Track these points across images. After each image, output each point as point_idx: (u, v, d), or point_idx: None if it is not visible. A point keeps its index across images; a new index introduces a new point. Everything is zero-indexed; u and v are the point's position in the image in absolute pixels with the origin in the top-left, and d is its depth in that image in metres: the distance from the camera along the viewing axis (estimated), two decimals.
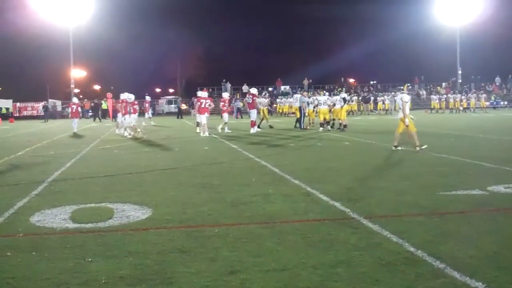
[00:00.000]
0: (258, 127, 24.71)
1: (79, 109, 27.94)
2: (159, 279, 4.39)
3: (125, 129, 22.62)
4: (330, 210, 6.86)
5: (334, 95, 25.77)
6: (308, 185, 8.58)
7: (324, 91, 27.68)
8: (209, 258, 4.91)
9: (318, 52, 73.63)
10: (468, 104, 49.96)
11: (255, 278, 4.36)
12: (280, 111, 48.48)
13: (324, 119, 24.15)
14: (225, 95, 27.33)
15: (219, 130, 23.50)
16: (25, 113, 57.05)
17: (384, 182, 8.88)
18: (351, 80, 68.99)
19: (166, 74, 78.15)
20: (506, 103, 57.16)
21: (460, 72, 62.60)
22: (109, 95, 37.96)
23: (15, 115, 53.88)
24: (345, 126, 22.88)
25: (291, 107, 45.81)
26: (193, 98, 50.79)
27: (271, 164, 11.50)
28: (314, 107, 25.77)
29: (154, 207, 7.15)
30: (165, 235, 5.78)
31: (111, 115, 39.74)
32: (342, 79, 64.72)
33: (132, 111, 22.27)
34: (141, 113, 33.66)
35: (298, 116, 25.95)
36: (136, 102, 23.57)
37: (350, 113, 39.78)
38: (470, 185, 8.33)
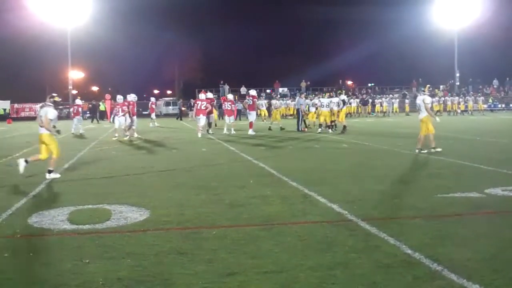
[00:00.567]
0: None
1: (80, 109, 27.97)
2: (157, 280, 4.40)
3: (125, 130, 22.71)
4: (327, 212, 6.87)
5: (330, 96, 25.76)
6: (306, 187, 8.59)
7: (329, 93, 27.62)
8: (207, 260, 4.91)
9: (316, 54, 73.69)
10: (466, 106, 50.03)
11: (253, 280, 4.37)
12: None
13: (325, 121, 24.17)
14: (230, 96, 27.43)
15: (226, 131, 23.59)
16: (22, 114, 56.90)
17: (382, 185, 8.89)
18: (349, 83, 69.02)
19: (164, 76, 78.09)
20: (503, 105, 57.23)
21: (458, 74, 62.68)
22: (108, 96, 37.97)
23: (12, 116, 53.76)
24: (344, 127, 22.95)
25: (289, 109, 45.95)
26: (191, 100, 50.92)
27: (269, 166, 11.51)
28: (316, 109, 25.74)
29: (151, 209, 7.15)
30: (162, 237, 5.79)
31: (109, 117, 39.73)
32: (340, 81, 64.70)
33: (121, 112, 22.06)
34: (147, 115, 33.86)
35: (303, 117, 26.08)
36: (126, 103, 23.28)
37: (348, 115, 39.73)
38: (467, 188, 8.34)
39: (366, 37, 66.64)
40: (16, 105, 57.49)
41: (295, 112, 27.19)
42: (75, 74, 65.37)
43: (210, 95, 26.34)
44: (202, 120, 22.63)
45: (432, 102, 14.00)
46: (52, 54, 60.89)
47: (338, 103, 23.81)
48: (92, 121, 44.97)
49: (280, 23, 78.25)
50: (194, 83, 67.30)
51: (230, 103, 25.09)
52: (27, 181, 9.92)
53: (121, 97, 22.84)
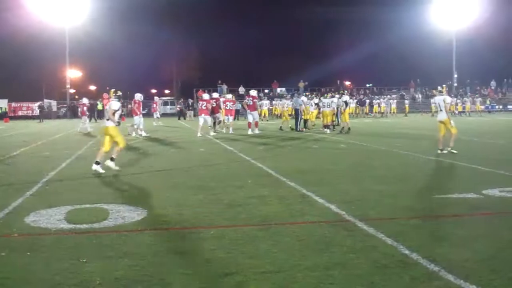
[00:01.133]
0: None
1: (85, 108, 28.10)
2: (154, 280, 4.39)
3: (137, 128, 22.83)
4: (325, 212, 6.87)
5: (332, 97, 25.78)
6: (304, 187, 8.59)
7: (331, 94, 27.63)
8: (205, 260, 4.91)
9: (315, 54, 73.80)
10: (464, 107, 50.11)
11: (251, 280, 4.37)
12: (276, 113, 48.54)
13: (327, 121, 24.21)
14: (229, 96, 27.39)
15: (224, 130, 23.62)
16: (20, 113, 56.86)
17: (380, 185, 8.89)
18: (347, 83, 69.06)
19: (162, 75, 78.08)
20: (501, 107, 57.37)
21: (455, 76, 62.82)
22: (106, 95, 37.93)
23: (10, 115, 53.66)
24: (348, 128, 23.10)
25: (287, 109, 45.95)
26: (189, 99, 50.91)
27: (267, 166, 11.51)
28: (320, 109, 25.72)
29: (149, 208, 7.14)
30: (160, 237, 5.78)
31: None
32: (338, 81, 64.74)
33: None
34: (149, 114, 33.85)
35: (303, 117, 26.09)
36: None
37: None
38: (465, 189, 8.35)
39: (364, 38, 66.78)
40: (13, 104, 57.39)
41: (293, 112, 27.13)
42: (73, 73, 65.31)
43: (215, 95, 26.36)
44: (201, 120, 22.68)
45: (451, 103, 13.91)
46: (50, 53, 60.88)
47: (338, 103, 23.93)
48: (89, 120, 44.82)
49: (278, 23, 78.42)
50: (192, 83, 67.38)
51: (230, 102, 25.12)
52: (24, 180, 9.90)
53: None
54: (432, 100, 49.70)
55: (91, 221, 6.44)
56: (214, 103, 23.91)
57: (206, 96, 24.36)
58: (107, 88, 61.30)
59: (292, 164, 12.23)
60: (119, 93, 11.84)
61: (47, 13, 53.76)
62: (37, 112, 51.06)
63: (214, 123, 24.04)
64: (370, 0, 66.81)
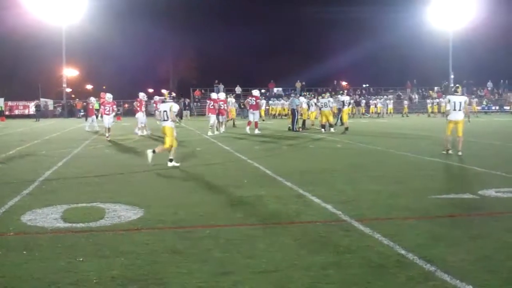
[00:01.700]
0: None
1: (91, 107, 28.22)
2: (151, 279, 4.39)
3: (139, 129, 22.83)
4: (322, 212, 6.88)
5: (330, 96, 25.82)
6: (300, 187, 8.60)
7: (331, 93, 27.67)
8: (201, 259, 4.91)
9: (311, 54, 73.73)
10: None
11: (247, 279, 4.37)
12: (273, 113, 48.60)
13: (327, 121, 24.23)
14: (222, 96, 27.41)
15: (216, 132, 23.60)
16: (16, 112, 56.67)
17: (376, 185, 8.91)
18: (344, 83, 69.09)
19: (159, 74, 77.87)
20: (497, 107, 57.49)
21: (452, 76, 62.85)
22: (103, 94, 37.86)
23: (6, 114, 53.51)
24: (346, 128, 23.17)
25: (284, 109, 46.01)
26: (185, 99, 50.80)
27: (264, 166, 11.51)
28: (320, 109, 25.72)
29: (145, 208, 7.14)
30: (156, 236, 5.78)
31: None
32: (335, 82, 64.76)
33: (111, 111, 21.86)
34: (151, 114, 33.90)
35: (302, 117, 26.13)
36: (114, 102, 23.20)
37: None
38: (461, 189, 8.38)
39: (361, 38, 66.71)
40: (10, 103, 57.20)
41: (289, 112, 27.15)
42: (69, 72, 65.14)
43: (222, 95, 26.48)
44: (213, 118, 22.81)
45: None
46: (47, 52, 60.72)
47: (332, 102, 24.02)
48: (86, 119, 44.73)
49: (276, 23, 78.23)
50: (189, 82, 67.29)
51: (222, 102, 25.13)
52: (21, 179, 9.88)
53: (110, 95, 22.76)
54: (438, 100, 49.86)
55: (87, 220, 6.44)
56: (222, 104, 24.08)
57: (214, 95, 24.69)
58: (104, 87, 61.37)
59: (288, 164, 12.24)
60: (173, 94, 13.26)
61: (44, 12, 53.58)
62: (33, 111, 50.91)
63: (220, 123, 24.13)
64: (367, 0, 66.91)
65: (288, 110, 31.65)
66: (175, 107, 12.05)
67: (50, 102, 60.78)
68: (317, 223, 6.26)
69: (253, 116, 24.44)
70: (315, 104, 27.32)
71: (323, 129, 23.89)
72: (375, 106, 50.03)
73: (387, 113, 48.76)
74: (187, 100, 52.10)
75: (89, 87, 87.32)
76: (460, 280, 4.28)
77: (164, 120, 11.87)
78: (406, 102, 51.96)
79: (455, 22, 59.32)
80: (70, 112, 56.38)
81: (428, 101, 51.78)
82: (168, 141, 11.79)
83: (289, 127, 25.52)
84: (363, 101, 52.31)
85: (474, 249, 5.18)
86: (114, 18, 59.89)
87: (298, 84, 58.82)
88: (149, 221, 6.43)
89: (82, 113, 51.23)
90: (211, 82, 58.89)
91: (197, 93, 60.63)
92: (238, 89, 56.89)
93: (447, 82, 63.28)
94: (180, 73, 75.45)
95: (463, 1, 57.62)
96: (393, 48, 65.50)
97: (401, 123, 34.75)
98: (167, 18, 64.32)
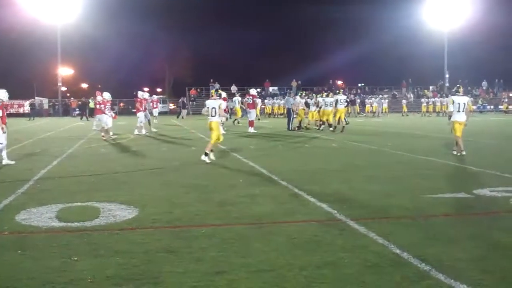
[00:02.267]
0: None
1: (102, 106, 27.92)
2: (146, 278, 4.39)
3: (138, 128, 22.76)
4: (317, 211, 6.89)
5: (319, 97, 25.84)
6: (296, 187, 8.60)
7: (330, 93, 27.63)
8: (196, 258, 4.91)
9: (307, 54, 73.86)
10: None
11: (242, 278, 4.37)
12: (269, 112, 48.67)
13: (327, 120, 24.25)
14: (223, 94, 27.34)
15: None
16: (11, 110, 56.38)
17: (371, 184, 8.92)
18: (339, 82, 69.15)
19: (154, 73, 77.84)
20: (492, 107, 57.66)
21: (447, 76, 63.03)
22: (98, 93, 37.77)
23: None
24: (343, 127, 23.21)
25: (279, 108, 46.08)
26: (182, 98, 50.71)
27: (259, 165, 11.51)
28: (319, 108, 25.69)
29: (141, 207, 7.13)
30: (151, 235, 5.77)
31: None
32: (331, 81, 64.81)
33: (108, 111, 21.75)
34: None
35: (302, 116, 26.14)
36: (110, 101, 22.99)
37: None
38: (456, 188, 8.40)
39: (357, 38, 66.88)
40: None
41: (285, 112, 27.18)
42: (65, 71, 64.96)
43: (223, 94, 26.36)
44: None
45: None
46: (42, 50, 60.58)
47: (331, 102, 24.05)
48: (81, 118, 44.68)
49: (271, 23, 78.30)
50: (185, 81, 67.24)
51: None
52: (15, 178, 9.85)
53: (109, 94, 22.65)
54: (433, 100, 49.92)
55: (82, 220, 6.42)
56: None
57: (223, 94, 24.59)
58: (99, 86, 61.22)
59: (284, 163, 12.25)
60: (219, 91, 14.42)
61: (39, 11, 53.41)
62: (28, 110, 50.75)
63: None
64: (362, 0, 67.04)
65: (284, 109, 31.69)
66: (224, 105, 13.13)
67: (45, 101, 60.60)
68: (312, 223, 6.26)
69: (250, 115, 24.56)
70: (315, 103, 27.24)
71: (320, 128, 23.91)
72: (371, 105, 50.12)
73: (382, 112, 48.84)
74: (185, 99, 52.05)
75: (84, 85, 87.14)
76: (454, 279, 4.29)
77: (212, 116, 12.46)
78: (404, 102, 51.97)
79: (450, 21, 59.49)
80: (65, 111, 56.25)
81: (423, 100, 51.85)
82: (214, 135, 12.43)
83: (301, 126, 25.56)
84: (358, 100, 52.40)
85: (469, 248, 5.20)
86: (109, 17, 59.81)
87: (294, 83, 58.83)
88: (144, 220, 6.42)
89: (77, 112, 51.13)
90: (206, 81, 58.88)
91: (193, 92, 60.57)
92: (233, 88, 56.85)
93: (442, 82, 63.47)
94: (175, 72, 75.42)
95: (458, 0, 57.78)
96: (388, 47, 65.62)
97: (396, 122, 34.82)
98: (162, 17, 64.33)
